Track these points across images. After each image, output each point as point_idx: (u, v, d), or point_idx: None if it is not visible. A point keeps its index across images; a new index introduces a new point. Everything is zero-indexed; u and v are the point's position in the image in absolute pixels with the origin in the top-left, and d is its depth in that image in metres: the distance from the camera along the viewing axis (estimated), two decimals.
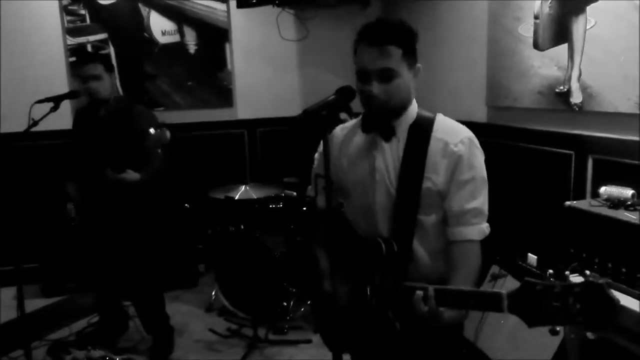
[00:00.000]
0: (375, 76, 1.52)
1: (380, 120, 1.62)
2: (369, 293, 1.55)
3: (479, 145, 1.61)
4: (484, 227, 1.58)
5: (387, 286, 1.51)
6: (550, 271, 1.16)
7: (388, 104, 1.55)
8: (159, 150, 2.86)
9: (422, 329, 1.48)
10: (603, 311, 1.09)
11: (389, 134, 1.62)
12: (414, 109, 1.64)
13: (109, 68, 3.01)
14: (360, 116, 1.71)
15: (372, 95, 1.52)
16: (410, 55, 1.55)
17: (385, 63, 1.51)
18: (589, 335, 1.14)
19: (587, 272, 1.14)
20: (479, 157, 1.59)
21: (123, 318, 3.49)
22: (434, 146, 1.57)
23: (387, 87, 1.52)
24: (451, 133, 1.59)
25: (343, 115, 1.82)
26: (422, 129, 1.60)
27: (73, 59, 4.32)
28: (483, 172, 1.59)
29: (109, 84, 3.01)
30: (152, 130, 2.73)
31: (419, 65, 1.59)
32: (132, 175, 2.92)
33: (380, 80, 1.52)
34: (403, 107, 1.60)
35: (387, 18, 1.59)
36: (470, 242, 1.56)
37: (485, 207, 1.59)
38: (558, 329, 1.15)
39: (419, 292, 1.38)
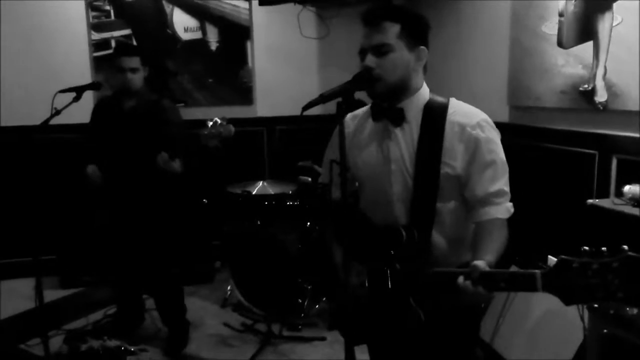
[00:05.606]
0: (371, 50, 1.53)
1: (383, 100, 1.59)
2: (389, 282, 1.52)
3: (494, 126, 1.59)
4: (509, 206, 1.56)
5: (410, 273, 1.48)
6: (586, 248, 1.13)
7: (384, 79, 1.53)
8: (217, 144, 2.78)
9: (442, 318, 1.47)
10: None
11: (398, 118, 1.59)
12: (424, 93, 1.61)
13: (144, 62, 3.05)
14: (370, 105, 1.68)
15: (366, 67, 1.52)
16: (411, 35, 1.54)
17: (379, 39, 1.52)
18: (629, 311, 1.10)
19: (625, 247, 1.09)
20: (497, 139, 1.57)
21: (140, 310, 3.52)
22: (449, 130, 1.54)
23: (382, 61, 1.52)
24: (467, 116, 1.56)
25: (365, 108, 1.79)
26: (435, 113, 1.57)
27: (98, 53, 4.39)
28: (502, 154, 1.57)
29: (142, 78, 3.04)
30: (210, 123, 2.65)
31: (422, 47, 1.57)
32: (177, 166, 2.90)
33: (375, 54, 1.53)
34: (403, 85, 1.57)
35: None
36: (497, 219, 1.53)
37: (508, 187, 1.56)
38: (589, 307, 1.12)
39: (462, 277, 1.33)
